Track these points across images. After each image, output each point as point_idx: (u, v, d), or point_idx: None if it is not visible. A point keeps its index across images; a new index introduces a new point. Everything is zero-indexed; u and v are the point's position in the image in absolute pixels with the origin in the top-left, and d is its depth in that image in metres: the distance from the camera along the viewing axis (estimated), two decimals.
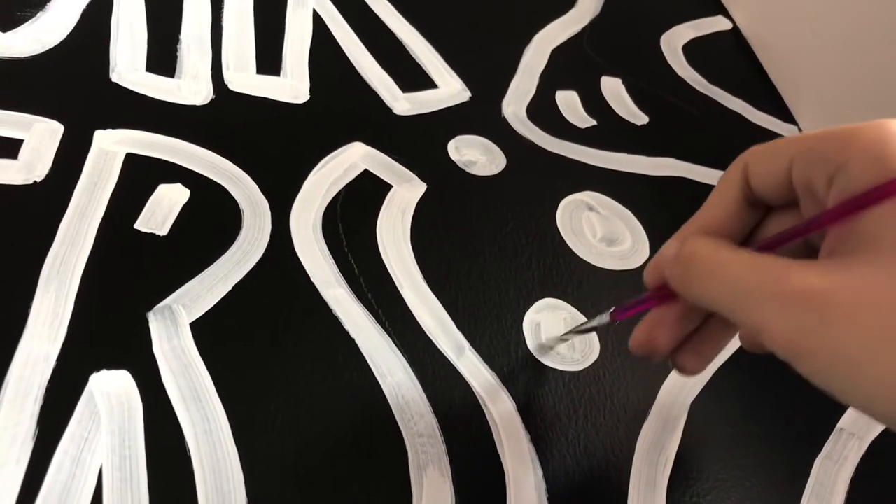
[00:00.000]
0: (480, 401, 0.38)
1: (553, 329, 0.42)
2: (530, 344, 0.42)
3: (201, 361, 0.36)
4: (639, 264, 0.47)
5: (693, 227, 0.30)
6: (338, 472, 0.35)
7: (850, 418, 0.42)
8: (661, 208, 0.51)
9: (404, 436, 0.36)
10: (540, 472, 0.37)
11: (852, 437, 0.42)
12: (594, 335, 0.43)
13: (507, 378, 0.40)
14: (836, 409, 0.43)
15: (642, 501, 0.37)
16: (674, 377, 0.42)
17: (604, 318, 0.35)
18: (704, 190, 0.52)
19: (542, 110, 0.55)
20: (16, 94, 0.45)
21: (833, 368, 0.22)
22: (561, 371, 0.41)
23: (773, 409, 0.42)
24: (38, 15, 0.50)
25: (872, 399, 0.21)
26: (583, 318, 0.43)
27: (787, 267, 0.23)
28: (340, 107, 0.51)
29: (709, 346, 0.31)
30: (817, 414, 0.42)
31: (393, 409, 0.37)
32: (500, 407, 0.38)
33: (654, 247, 0.48)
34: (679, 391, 0.41)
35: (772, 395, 0.43)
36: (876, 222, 0.22)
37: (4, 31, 0.48)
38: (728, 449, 0.40)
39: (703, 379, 0.42)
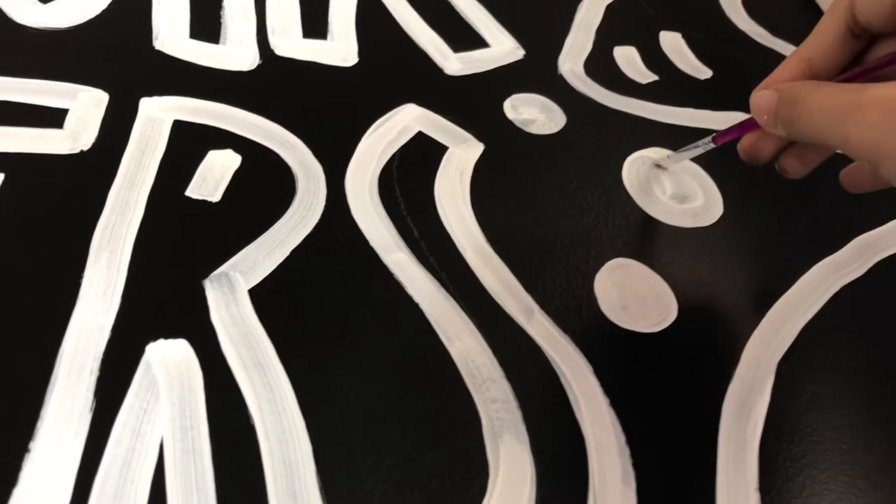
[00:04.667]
0: (554, 365, 0.36)
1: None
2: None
3: (262, 329, 0.34)
4: (713, 220, 0.44)
5: (798, 55, 0.33)
6: (409, 441, 0.33)
7: None
8: (733, 163, 0.48)
9: (476, 402, 0.34)
10: (623, 438, 0.34)
11: None
12: (673, 299, 0.40)
13: (581, 341, 0.37)
14: None
15: (733, 465, 0.34)
16: (757, 336, 0.39)
17: (707, 143, 0.39)
18: None
19: (601, 67, 0.53)
20: (58, 65, 0.43)
21: None
22: (637, 333, 0.38)
23: (863, 367, 0.39)
24: None
25: None
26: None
27: (867, 85, 0.25)
28: (390, 69, 0.49)
29: (812, 152, 0.35)
30: None
31: (463, 375, 0.35)
32: (575, 371, 0.36)
33: (728, 203, 0.45)
34: (764, 351, 0.39)
35: (860, 352, 0.40)
36: None
37: (45, 1, 0.47)
38: (820, 410, 0.37)
39: (789, 338, 0.39)
